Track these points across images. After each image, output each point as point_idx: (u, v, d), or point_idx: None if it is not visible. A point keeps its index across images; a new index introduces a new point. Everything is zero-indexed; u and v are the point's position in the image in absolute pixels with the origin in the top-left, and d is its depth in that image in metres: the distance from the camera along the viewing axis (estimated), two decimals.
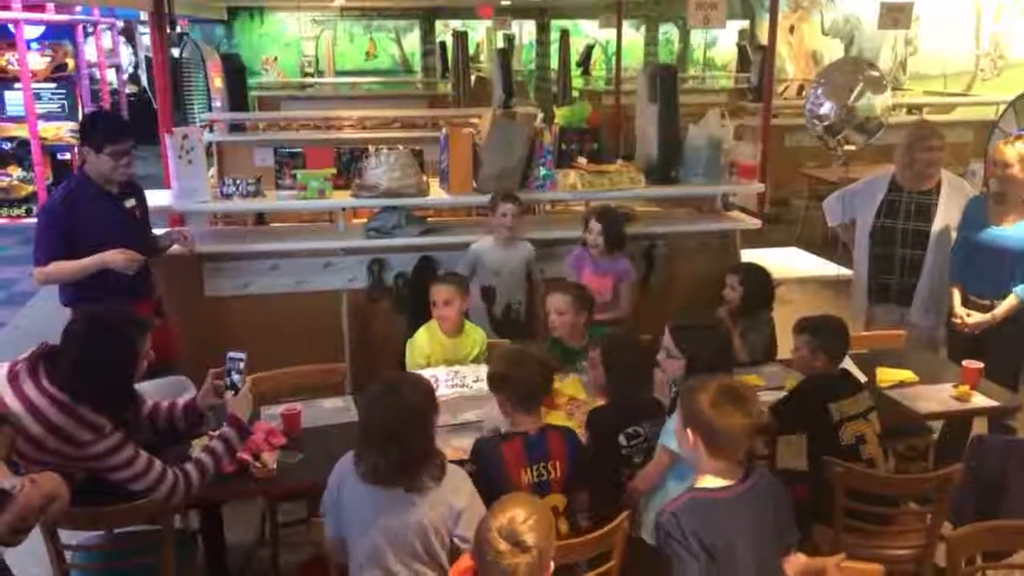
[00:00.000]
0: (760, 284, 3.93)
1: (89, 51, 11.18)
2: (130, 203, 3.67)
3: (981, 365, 3.46)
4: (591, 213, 4.34)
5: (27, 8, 9.05)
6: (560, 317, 3.63)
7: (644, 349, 3.00)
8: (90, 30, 11.42)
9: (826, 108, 6.25)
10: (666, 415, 2.80)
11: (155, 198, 4.24)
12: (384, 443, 2.29)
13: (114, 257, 3.45)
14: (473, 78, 13.41)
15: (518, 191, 4.64)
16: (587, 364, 3.19)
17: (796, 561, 2.27)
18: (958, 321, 3.89)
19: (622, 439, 2.80)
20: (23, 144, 9.08)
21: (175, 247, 3.92)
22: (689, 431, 2.22)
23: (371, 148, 4.75)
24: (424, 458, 2.35)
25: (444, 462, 2.41)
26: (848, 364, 3.23)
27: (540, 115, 6.09)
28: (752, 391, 2.26)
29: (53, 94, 9.62)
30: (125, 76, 14.16)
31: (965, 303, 3.91)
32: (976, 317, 3.84)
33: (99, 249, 3.45)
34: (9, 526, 1.97)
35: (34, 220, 3.76)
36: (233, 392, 2.76)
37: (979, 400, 3.37)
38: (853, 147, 6.35)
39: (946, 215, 4.08)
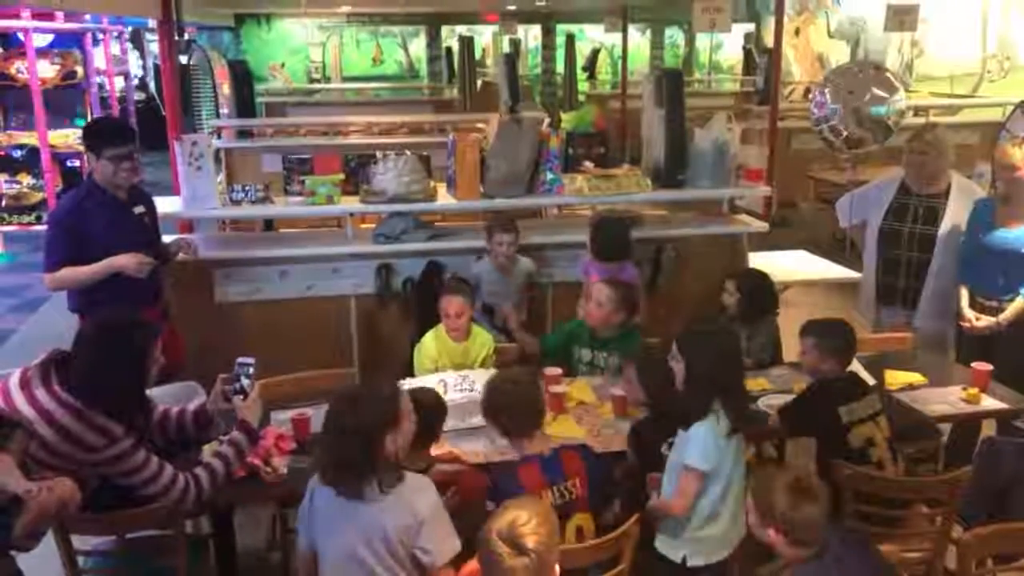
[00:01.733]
0: (759, 290, 3.91)
1: (98, 59, 11.23)
2: (139, 210, 3.68)
3: (991, 367, 3.45)
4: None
5: (36, 16, 9.10)
6: (599, 309, 3.63)
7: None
8: (99, 38, 11.47)
9: (833, 111, 6.23)
10: None
11: (164, 205, 4.26)
12: (328, 442, 2.33)
13: (125, 261, 3.46)
14: (479, 83, 13.43)
15: (525, 196, 4.67)
16: (622, 380, 3.23)
17: None
18: (966, 324, 3.88)
19: (664, 448, 2.78)
20: (33, 152, 9.13)
21: (180, 254, 3.93)
22: (771, 530, 2.23)
23: (379, 154, 4.75)
24: (364, 470, 2.29)
25: (401, 475, 2.34)
26: (856, 367, 3.22)
27: (547, 119, 6.10)
28: (815, 478, 2.30)
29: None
30: (133, 83, 14.23)
31: (972, 305, 3.90)
32: (985, 320, 3.83)
33: (108, 255, 3.46)
34: (24, 531, 1.99)
35: (44, 227, 3.78)
36: (243, 397, 2.77)
37: (988, 402, 3.36)
38: (860, 151, 6.33)
39: (954, 219, 4.05)
